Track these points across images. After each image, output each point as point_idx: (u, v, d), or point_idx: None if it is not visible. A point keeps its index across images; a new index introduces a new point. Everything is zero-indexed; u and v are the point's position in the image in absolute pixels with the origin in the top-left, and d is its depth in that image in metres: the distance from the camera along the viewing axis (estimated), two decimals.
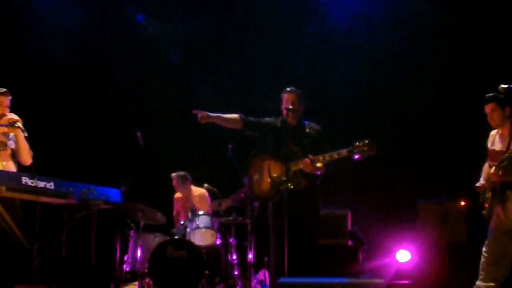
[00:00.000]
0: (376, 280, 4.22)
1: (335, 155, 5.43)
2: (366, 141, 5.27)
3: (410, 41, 8.95)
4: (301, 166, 5.52)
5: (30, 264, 4.62)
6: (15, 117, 4.90)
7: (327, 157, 5.46)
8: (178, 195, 8.32)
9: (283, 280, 4.26)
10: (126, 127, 8.31)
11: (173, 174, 8.18)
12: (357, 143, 5.29)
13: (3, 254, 4.86)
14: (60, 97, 9.12)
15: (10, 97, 5.08)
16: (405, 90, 8.74)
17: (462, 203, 7.76)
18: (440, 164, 8.51)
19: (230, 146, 7.59)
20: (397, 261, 8.06)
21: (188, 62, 9.45)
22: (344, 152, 5.37)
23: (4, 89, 5.11)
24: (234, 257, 7.44)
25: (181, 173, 8.19)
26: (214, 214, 7.75)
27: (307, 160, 5.46)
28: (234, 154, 7.52)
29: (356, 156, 5.30)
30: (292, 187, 5.55)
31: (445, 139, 8.58)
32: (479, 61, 8.55)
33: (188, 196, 8.22)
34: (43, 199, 4.69)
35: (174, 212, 8.28)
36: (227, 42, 9.48)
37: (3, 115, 4.94)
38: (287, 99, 5.80)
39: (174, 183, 8.19)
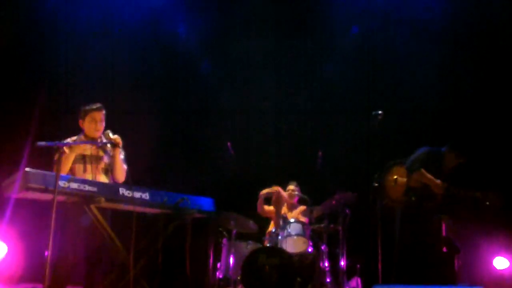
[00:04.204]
0: None
1: (469, 194, 6.13)
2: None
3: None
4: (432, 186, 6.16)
5: (128, 272, 4.74)
6: (115, 136, 5.02)
7: (462, 192, 6.14)
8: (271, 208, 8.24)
9: (377, 287, 4.17)
10: (217, 135, 8.43)
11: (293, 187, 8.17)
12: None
13: (103, 263, 5.02)
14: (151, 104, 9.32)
15: (103, 112, 5.22)
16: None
17: None
18: None
19: (320, 153, 7.56)
20: (495, 268, 7.79)
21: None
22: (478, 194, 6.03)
23: (98, 105, 5.22)
24: (326, 264, 7.38)
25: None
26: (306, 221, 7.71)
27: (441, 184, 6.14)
28: (324, 162, 7.49)
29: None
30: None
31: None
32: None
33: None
34: (139, 209, 4.82)
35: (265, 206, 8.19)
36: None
37: (106, 133, 5.07)
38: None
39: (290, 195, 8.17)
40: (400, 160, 6.46)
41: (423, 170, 6.22)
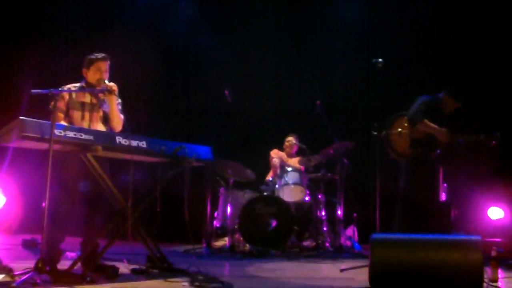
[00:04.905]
0: (473, 237, 4.08)
1: (473, 137, 6.07)
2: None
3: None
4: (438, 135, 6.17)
5: (126, 220, 4.76)
6: (111, 84, 4.98)
7: (466, 137, 6.12)
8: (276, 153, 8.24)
9: (375, 236, 4.19)
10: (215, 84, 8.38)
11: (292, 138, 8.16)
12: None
13: (102, 211, 5.03)
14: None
15: (108, 62, 5.15)
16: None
17: None
18: None
19: (318, 102, 7.52)
20: (489, 218, 7.87)
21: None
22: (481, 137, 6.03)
23: (103, 54, 5.11)
24: (323, 213, 7.44)
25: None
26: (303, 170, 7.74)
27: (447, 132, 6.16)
28: (323, 110, 7.46)
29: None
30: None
31: None
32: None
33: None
34: (137, 157, 4.80)
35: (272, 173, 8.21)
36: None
37: (101, 79, 5.02)
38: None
39: (289, 145, 8.16)
40: (401, 112, 6.42)
41: (426, 120, 6.19)
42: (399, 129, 6.33)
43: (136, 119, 5.52)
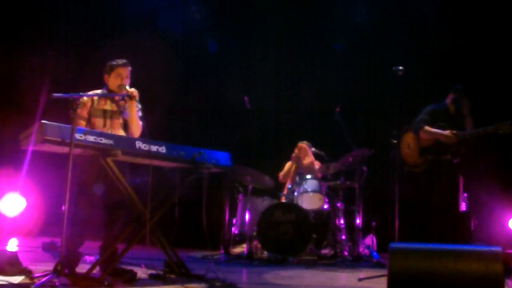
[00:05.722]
0: (494, 248, 4.01)
1: (481, 131, 6.02)
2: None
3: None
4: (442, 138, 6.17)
5: (145, 225, 4.76)
6: (132, 89, 5.01)
7: (474, 133, 6.09)
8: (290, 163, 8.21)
9: (394, 245, 4.14)
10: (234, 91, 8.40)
11: (304, 143, 8.11)
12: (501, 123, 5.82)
13: (121, 216, 5.04)
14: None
15: (129, 68, 5.18)
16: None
17: None
18: None
19: (337, 109, 7.49)
20: (510, 229, 7.77)
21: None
22: (490, 129, 5.90)
23: (124, 60, 5.16)
24: (342, 221, 7.39)
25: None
26: (322, 178, 7.71)
27: (450, 133, 6.11)
28: (342, 117, 7.43)
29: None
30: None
31: None
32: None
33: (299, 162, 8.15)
34: (156, 162, 4.81)
35: (280, 176, 8.20)
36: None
37: (122, 85, 5.06)
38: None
39: (299, 150, 8.11)
40: (407, 126, 6.47)
41: (426, 127, 6.24)
42: (408, 143, 6.38)
43: (154, 123, 5.53)
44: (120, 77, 5.09)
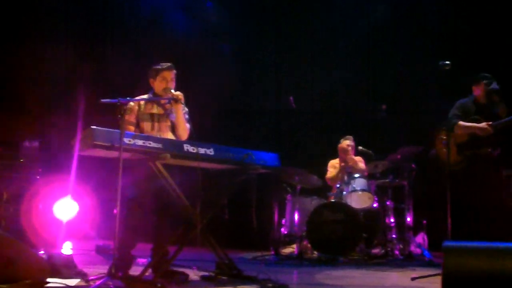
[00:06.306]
0: None
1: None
2: None
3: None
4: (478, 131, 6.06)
5: (195, 227, 4.79)
6: (177, 93, 5.06)
7: (509, 122, 5.95)
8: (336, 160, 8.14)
9: (448, 243, 4.06)
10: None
11: (345, 142, 8.03)
12: None
13: (171, 218, 5.09)
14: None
15: (174, 71, 5.23)
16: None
17: None
18: None
19: (383, 106, 7.42)
20: None
21: None
22: None
23: (168, 64, 5.21)
24: (392, 219, 7.30)
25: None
26: (370, 176, 7.62)
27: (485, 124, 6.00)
28: (387, 115, 7.35)
29: None
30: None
31: None
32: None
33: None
34: (204, 164, 4.84)
35: (328, 181, 8.12)
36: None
37: (168, 89, 5.11)
38: None
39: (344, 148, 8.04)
40: (439, 126, 6.32)
41: (460, 122, 6.13)
42: (443, 142, 6.20)
43: (201, 125, 5.57)
44: (165, 81, 5.15)
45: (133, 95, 5.08)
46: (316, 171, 7.70)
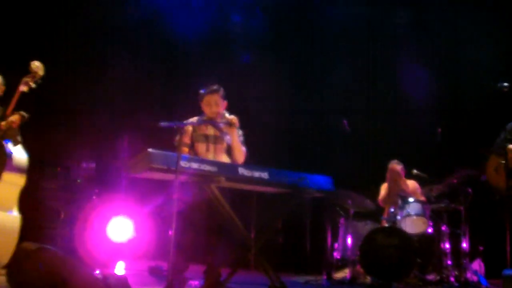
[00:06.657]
0: None
1: None
2: None
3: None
4: None
5: (249, 250, 4.80)
6: (231, 116, 5.10)
7: None
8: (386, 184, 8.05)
9: (508, 271, 3.97)
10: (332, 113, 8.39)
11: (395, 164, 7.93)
12: None
13: (225, 241, 5.11)
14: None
15: (217, 95, 5.21)
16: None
17: None
18: None
19: (439, 130, 7.32)
20: None
21: None
22: None
23: (211, 88, 5.23)
24: (447, 245, 7.15)
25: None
26: (425, 200, 7.49)
27: None
28: (443, 138, 7.25)
29: None
30: None
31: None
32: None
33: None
34: (259, 188, 4.86)
35: (380, 202, 8.01)
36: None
37: (214, 113, 5.15)
38: None
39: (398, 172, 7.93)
40: (488, 151, 6.20)
41: (510, 145, 5.93)
42: (494, 166, 6.04)
43: (257, 148, 5.60)
44: (209, 105, 5.19)
45: (186, 117, 5.16)
46: (367, 194, 7.61)
